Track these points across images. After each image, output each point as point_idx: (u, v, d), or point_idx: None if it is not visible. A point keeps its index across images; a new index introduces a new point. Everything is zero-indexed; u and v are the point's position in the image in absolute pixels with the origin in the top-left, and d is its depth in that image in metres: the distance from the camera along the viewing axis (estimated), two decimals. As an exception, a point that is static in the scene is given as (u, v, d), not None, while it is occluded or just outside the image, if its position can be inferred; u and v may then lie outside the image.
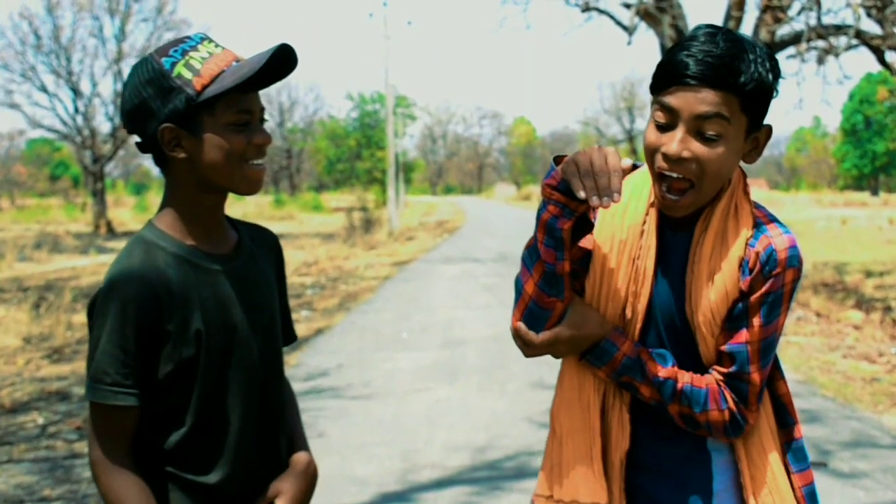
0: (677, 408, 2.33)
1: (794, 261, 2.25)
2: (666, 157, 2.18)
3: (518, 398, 8.89)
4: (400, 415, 8.38)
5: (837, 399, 8.74)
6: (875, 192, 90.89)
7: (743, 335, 2.27)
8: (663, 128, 2.20)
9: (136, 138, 2.33)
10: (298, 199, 74.75)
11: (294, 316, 14.62)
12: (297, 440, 2.59)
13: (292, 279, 20.63)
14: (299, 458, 2.51)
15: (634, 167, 2.39)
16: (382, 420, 8.19)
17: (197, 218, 2.34)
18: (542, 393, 9.04)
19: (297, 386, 9.52)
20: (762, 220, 2.30)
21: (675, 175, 2.19)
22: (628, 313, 2.36)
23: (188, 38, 2.30)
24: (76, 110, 45.63)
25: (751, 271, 2.24)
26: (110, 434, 2.21)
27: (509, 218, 52.93)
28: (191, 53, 2.23)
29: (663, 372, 2.32)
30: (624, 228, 2.35)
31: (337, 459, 7.02)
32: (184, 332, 2.22)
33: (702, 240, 2.27)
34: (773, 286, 2.24)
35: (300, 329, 13.47)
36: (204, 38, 2.30)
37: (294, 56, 2.27)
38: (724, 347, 2.29)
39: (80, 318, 14.24)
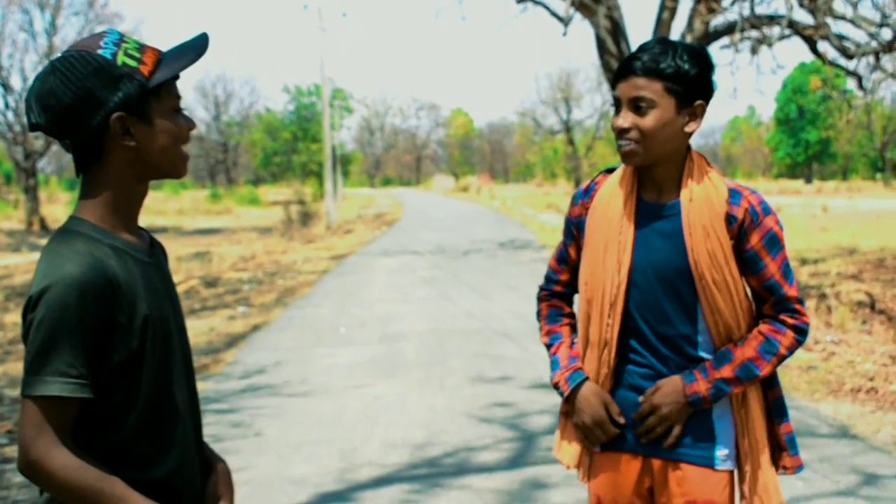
0: (769, 368, 3.05)
1: (769, 210, 3.02)
2: (616, 129, 2.97)
3: (457, 393, 8.84)
4: (338, 412, 8.29)
5: (775, 388, 8.76)
6: (809, 181, 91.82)
7: (766, 273, 3.00)
8: (616, 111, 2.99)
9: (50, 136, 2.28)
10: (235, 193, 74.16)
11: (230, 312, 14.63)
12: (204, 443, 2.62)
13: (228, 274, 20.45)
14: (224, 467, 2.57)
15: (610, 171, 3.23)
16: (320, 418, 8.10)
17: (127, 211, 2.32)
18: (481, 387, 9.01)
19: (233, 384, 9.43)
20: (733, 186, 3.04)
21: (623, 142, 2.96)
22: (616, 279, 3.04)
23: (105, 33, 2.26)
24: (6, 106, 44.79)
25: (741, 223, 2.96)
26: (60, 429, 2.10)
27: (448, 210, 52.89)
28: (122, 45, 2.23)
29: (732, 368, 3.01)
30: (608, 219, 3.08)
31: (274, 459, 6.93)
32: (131, 322, 2.18)
33: (690, 206, 2.98)
34: (763, 230, 2.98)
35: (237, 326, 13.36)
36: (122, 34, 2.28)
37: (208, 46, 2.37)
38: (762, 286, 3.02)
39: (12, 317, 14.03)
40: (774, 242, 2.99)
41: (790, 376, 9.23)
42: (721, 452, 3.05)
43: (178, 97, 2.33)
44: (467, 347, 11.07)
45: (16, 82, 67.78)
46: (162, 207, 57.16)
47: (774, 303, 3.04)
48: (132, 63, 2.21)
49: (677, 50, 2.92)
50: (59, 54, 2.25)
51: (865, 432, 7.39)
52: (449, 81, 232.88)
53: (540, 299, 3.40)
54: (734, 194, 2.99)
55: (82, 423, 2.16)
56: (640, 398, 3.05)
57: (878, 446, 7.02)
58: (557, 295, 3.36)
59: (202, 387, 9.15)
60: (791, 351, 3.06)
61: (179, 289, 17.64)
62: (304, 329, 12.89)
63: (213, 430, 7.65)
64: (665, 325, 3.04)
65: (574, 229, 3.22)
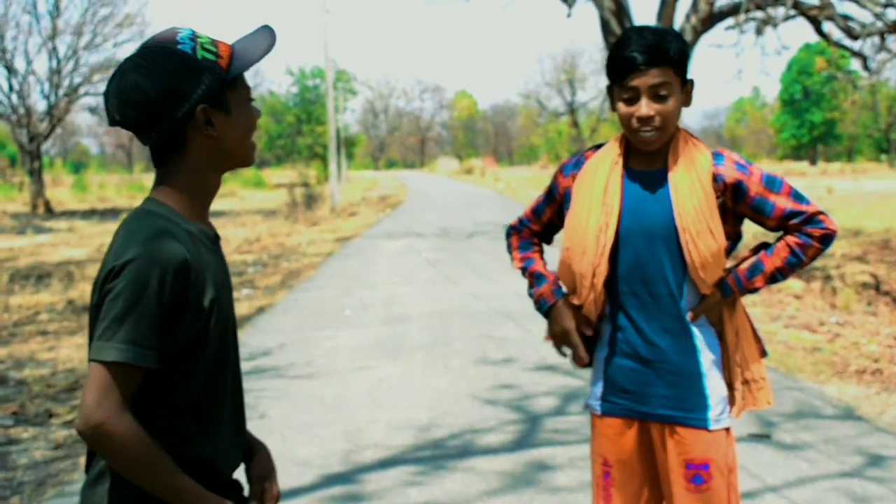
0: (791, 274, 3.33)
1: (748, 161, 3.26)
2: (640, 119, 3.14)
3: (461, 375, 8.84)
4: (342, 394, 8.29)
5: (780, 369, 8.77)
6: (813, 162, 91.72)
7: (779, 207, 3.21)
8: (629, 101, 3.16)
9: (125, 129, 2.36)
10: (239, 176, 73.99)
11: (235, 294, 14.56)
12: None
13: (233, 257, 20.44)
14: (266, 448, 2.69)
15: (598, 147, 3.43)
16: (324, 400, 8.11)
17: (202, 200, 2.43)
18: (485, 369, 9.00)
19: (238, 366, 9.40)
20: (715, 150, 3.28)
21: (647, 128, 3.14)
22: (601, 240, 3.24)
23: (177, 29, 2.36)
24: (10, 88, 44.71)
25: (735, 182, 3.19)
26: (125, 396, 2.16)
27: (452, 192, 52.90)
28: (197, 40, 2.33)
29: (763, 279, 3.30)
30: (593, 186, 3.29)
31: (278, 440, 6.92)
32: (200, 304, 2.27)
33: (677, 168, 3.22)
34: (757, 175, 3.21)
35: (242, 308, 13.34)
36: (193, 30, 2.38)
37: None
38: (783, 218, 3.22)
39: (17, 300, 14.02)
40: (772, 181, 3.22)
41: (795, 357, 9.23)
42: (713, 413, 3.29)
43: (249, 88, 2.45)
44: (471, 329, 11.07)
45: (20, 64, 67.77)
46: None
47: (801, 223, 3.24)
48: (210, 57, 2.32)
49: (668, 35, 3.16)
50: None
51: (870, 413, 7.38)
52: (453, 63, 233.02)
53: (509, 235, 3.71)
54: (717, 156, 3.25)
55: (136, 394, 2.21)
56: (689, 315, 3.27)
57: (883, 427, 7.01)
58: (527, 233, 3.67)
59: (207, 369, 9.14)
60: (813, 259, 3.32)
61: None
62: (309, 311, 12.89)
63: (217, 412, 7.65)
64: (655, 285, 3.26)
65: (558, 196, 3.49)
